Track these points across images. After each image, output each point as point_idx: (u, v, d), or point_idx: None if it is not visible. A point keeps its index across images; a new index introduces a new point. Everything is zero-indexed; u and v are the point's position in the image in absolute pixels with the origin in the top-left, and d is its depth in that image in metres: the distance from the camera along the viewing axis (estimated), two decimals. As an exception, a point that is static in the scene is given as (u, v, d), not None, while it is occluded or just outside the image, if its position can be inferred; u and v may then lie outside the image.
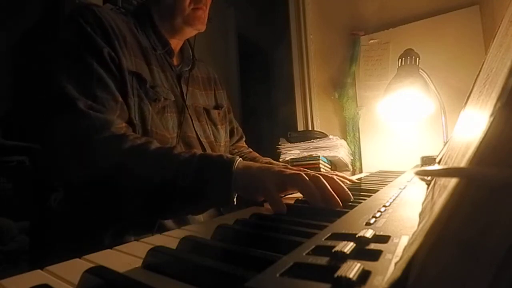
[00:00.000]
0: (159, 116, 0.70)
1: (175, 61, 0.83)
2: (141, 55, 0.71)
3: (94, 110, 0.57)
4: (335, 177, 0.51)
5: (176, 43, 0.82)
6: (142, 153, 0.56)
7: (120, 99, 0.62)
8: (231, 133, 1.01)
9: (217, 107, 0.93)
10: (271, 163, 0.89)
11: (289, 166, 0.52)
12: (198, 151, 0.58)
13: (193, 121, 0.79)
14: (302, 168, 0.55)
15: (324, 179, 0.48)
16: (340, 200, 0.45)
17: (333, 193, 0.45)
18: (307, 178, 0.47)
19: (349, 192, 0.48)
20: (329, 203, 0.44)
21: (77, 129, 0.56)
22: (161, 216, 0.61)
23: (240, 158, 0.54)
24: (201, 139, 0.79)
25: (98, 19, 0.64)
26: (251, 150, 1.04)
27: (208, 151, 0.80)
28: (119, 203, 0.60)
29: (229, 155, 0.55)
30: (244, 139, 1.08)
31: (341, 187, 0.48)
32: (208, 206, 0.58)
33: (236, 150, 1.01)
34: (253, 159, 0.94)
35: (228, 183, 0.51)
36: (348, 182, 0.70)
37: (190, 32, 0.81)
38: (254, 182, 0.50)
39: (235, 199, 0.52)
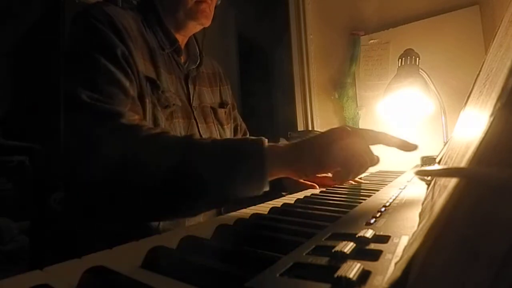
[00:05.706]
0: (168, 122, 0.68)
1: (181, 58, 0.80)
2: (150, 58, 0.68)
3: (100, 102, 0.53)
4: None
5: (182, 39, 0.78)
6: (161, 142, 0.50)
7: (132, 93, 0.58)
8: (235, 130, 1.00)
9: (222, 104, 0.91)
10: None
11: None
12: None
13: (199, 125, 0.77)
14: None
15: None
16: None
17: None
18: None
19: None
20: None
21: (82, 122, 0.52)
22: (175, 214, 0.56)
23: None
24: None
25: (109, 18, 0.61)
26: None
27: None
28: (128, 202, 0.52)
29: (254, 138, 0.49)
30: (248, 135, 1.06)
31: None
32: (239, 196, 0.49)
33: None
34: None
35: (262, 162, 0.45)
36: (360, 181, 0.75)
37: (194, 27, 0.77)
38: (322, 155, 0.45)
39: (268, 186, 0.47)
